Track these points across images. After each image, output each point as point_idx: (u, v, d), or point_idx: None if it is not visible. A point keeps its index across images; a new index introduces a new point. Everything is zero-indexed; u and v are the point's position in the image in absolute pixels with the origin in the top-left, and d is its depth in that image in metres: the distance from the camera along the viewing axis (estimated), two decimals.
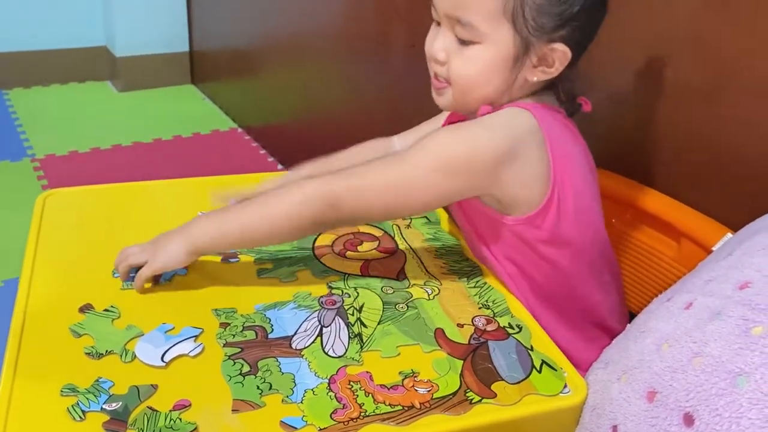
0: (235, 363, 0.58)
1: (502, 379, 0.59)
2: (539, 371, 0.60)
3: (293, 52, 1.83)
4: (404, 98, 1.37)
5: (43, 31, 2.38)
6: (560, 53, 0.65)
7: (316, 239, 0.79)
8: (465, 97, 0.69)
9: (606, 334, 0.73)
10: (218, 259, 0.73)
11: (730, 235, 0.71)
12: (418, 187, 0.65)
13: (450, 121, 0.78)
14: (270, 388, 0.56)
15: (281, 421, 0.53)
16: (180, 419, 0.53)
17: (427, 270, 0.74)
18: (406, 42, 1.32)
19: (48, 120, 2.20)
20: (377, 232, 0.81)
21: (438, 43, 0.67)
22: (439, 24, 0.68)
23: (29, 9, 2.33)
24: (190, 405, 0.54)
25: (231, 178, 0.93)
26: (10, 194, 1.74)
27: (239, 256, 0.74)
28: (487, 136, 0.65)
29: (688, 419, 0.48)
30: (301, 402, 0.55)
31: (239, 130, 2.22)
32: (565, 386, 0.59)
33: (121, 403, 0.54)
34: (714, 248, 0.70)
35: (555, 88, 0.70)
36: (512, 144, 0.64)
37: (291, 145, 1.94)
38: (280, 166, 1.99)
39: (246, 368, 0.58)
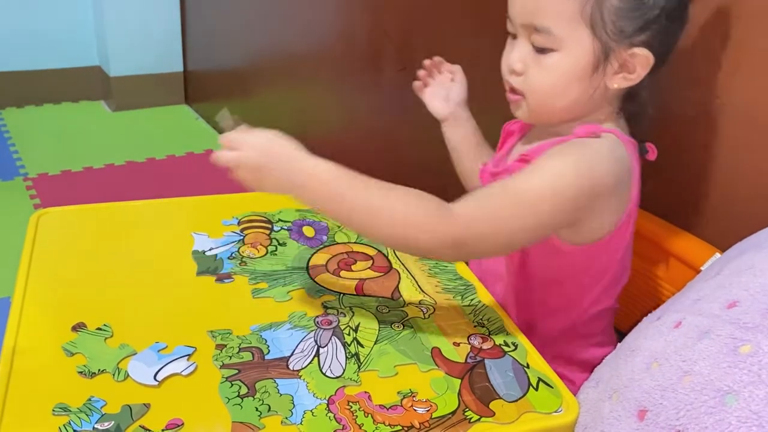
0: (232, 385, 0.58)
1: (500, 398, 0.59)
2: (536, 389, 0.60)
3: (286, 74, 1.85)
4: (396, 120, 1.39)
5: (37, 51, 2.40)
6: (642, 58, 0.63)
7: (310, 258, 0.79)
8: (543, 108, 0.67)
9: (585, 371, 0.72)
10: (212, 279, 0.74)
11: (718, 255, 0.72)
12: (536, 223, 0.62)
13: (507, 131, 0.79)
14: (269, 410, 0.56)
15: None
16: None
17: (421, 289, 0.75)
18: (397, 65, 1.34)
19: (41, 139, 2.21)
20: (371, 251, 0.81)
21: (515, 54, 0.66)
22: (515, 37, 0.68)
23: (22, 28, 2.35)
24: (182, 424, 0.54)
25: (225, 198, 0.94)
26: (1, 213, 1.74)
27: (234, 276, 0.74)
28: (602, 168, 0.63)
29: None
30: (301, 423, 0.55)
31: None
32: (560, 405, 0.59)
33: (113, 422, 0.54)
34: (702, 268, 0.72)
35: (632, 103, 0.68)
36: (616, 179, 0.64)
37: None
38: None
39: (244, 390, 0.58)
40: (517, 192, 0.62)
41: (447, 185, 0.93)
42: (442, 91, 0.86)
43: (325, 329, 0.67)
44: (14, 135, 2.22)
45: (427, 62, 0.87)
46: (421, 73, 0.87)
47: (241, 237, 0.82)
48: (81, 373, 0.59)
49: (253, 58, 2.04)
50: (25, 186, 1.88)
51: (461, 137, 0.86)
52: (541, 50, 0.65)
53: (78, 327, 0.64)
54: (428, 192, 0.64)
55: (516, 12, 0.66)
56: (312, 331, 0.66)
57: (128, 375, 0.59)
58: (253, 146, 0.62)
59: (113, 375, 0.59)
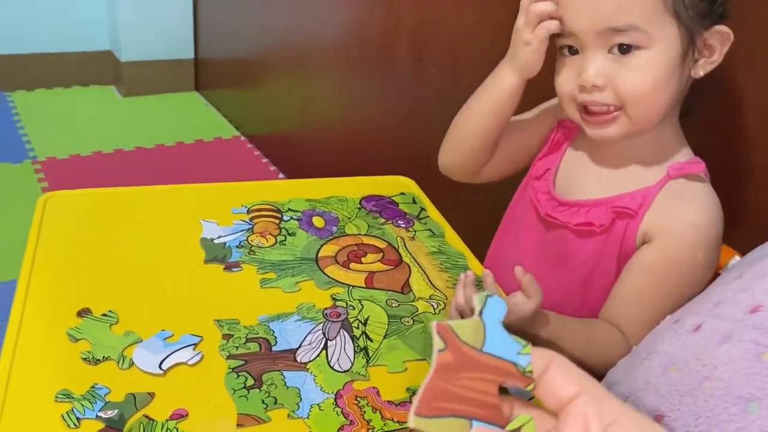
0: (239, 376, 0.57)
1: (510, 394, 0.57)
2: None
3: (297, 63, 1.83)
4: (409, 111, 1.37)
5: (48, 34, 2.39)
6: (722, 35, 0.61)
7: (319, 249, 0.78)
8: (647, 114, 0.63)
9: None
10: (221, 267, 0.72)
11: (737, 257, 0.70)
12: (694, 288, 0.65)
13: (564, 129, 0.75)
14: (275, 403, 0.55)
15: None
16: (177, 429, 0.51)
17: (432, 283, 0.73)
18: (411, 56, 1.32)
19: (50, 123, 2.20)
20: (381, 244, 0.80)
21: (591, 68, 0.61)
22: (572, 53, 0.63)
23: (34, 11, 2.34)
24: (187, 414, 0.53)
25: (234, 186, 0.93)
26: (9, 196, 1.73)
27: (242, 265, 0.73)
28: (720, 216, 0.66)
29: None
30: (308, 417, 0.54)
31: (242, 138, 2.22)
32: None
33: (116, 410, 0.52)
34: (722, 271, 0.70)
35: (692, 99, 0.67)
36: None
37: (293, 154, 1.94)
38: (281, 175, 1.98)
39: (250, 381, 0.57)
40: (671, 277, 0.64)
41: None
42: None
43: (333, 322, 0.65)
44: (24, 118, 2.22)
45: None
46: None
47: (250, 226, 0.81)
48: (85, 359, 0.58)
49: (264, 47, 2.03)
50: (33, 169, 1.88)
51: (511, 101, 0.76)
52: (625, 51, 0.60)
53: (83, 313, 0.63)
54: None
55: (586, 22, 0.61)
56: (320, 323, 0.65)
57: (133, 363, 0.58)
58: None
59: (118, 362, 0.58)
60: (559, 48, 0.65)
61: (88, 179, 1.84)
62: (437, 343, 0.30)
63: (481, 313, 0.31)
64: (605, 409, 0.28)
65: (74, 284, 0.68)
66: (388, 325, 0.66)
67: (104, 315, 0.63)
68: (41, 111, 2.29)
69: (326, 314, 0.66)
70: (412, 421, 0.29)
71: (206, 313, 0.65)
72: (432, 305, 0.69)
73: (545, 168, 0.75)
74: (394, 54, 1.38)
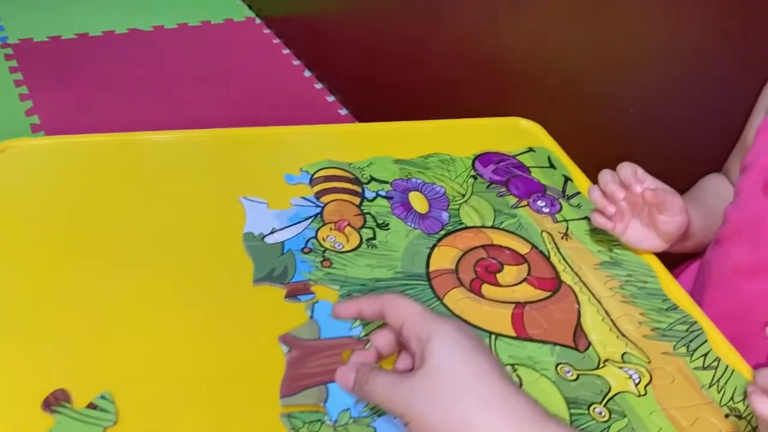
0: None
1: None
2: None
3: None
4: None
5: None
6: None
7: (430, 255, 0.49)
8: None
9: None
10: (281, 293, 0.45)
11: None
12: None
13: None
14: None
15: None
16: None
17: (618, 329, 0.46)
18: None
19: None
20: (521, 246, 0.52)
21: None
22: None
23: None
24: None
25: (284, 131, 0.63)
26: None
27: (313, 288, 0.45)
28: None
29: None
30: None
31: (257, 20, 1.85)
32: None
33: None
34: None
35: None
36: None
37: (320, 44, 1.59)
38: (308, 73, 1.64)
39: None
40: None
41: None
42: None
43: None
44: None
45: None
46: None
47: (319, 209, 0.52)
48: None
49: None
50: (3, 54, 1.54)
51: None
52: None
53: (55, 401, 0.36)
54: None
55: None
56: None
57: None
58: None
59: None
60: None
61: (70, 70, 1.51)
62: (284, 348, 0.38)
63: (311, 317, 0.40)
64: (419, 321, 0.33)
65: (36, 333, 0.40)
66: (571, 417, 0.40)
67: (93, 406, 0.36)
68: None
69: None
70: (281, 403, 0.36)
71: (265, 395, 0.38)
72: (631, 376, 0.42)
73: None
74: None
